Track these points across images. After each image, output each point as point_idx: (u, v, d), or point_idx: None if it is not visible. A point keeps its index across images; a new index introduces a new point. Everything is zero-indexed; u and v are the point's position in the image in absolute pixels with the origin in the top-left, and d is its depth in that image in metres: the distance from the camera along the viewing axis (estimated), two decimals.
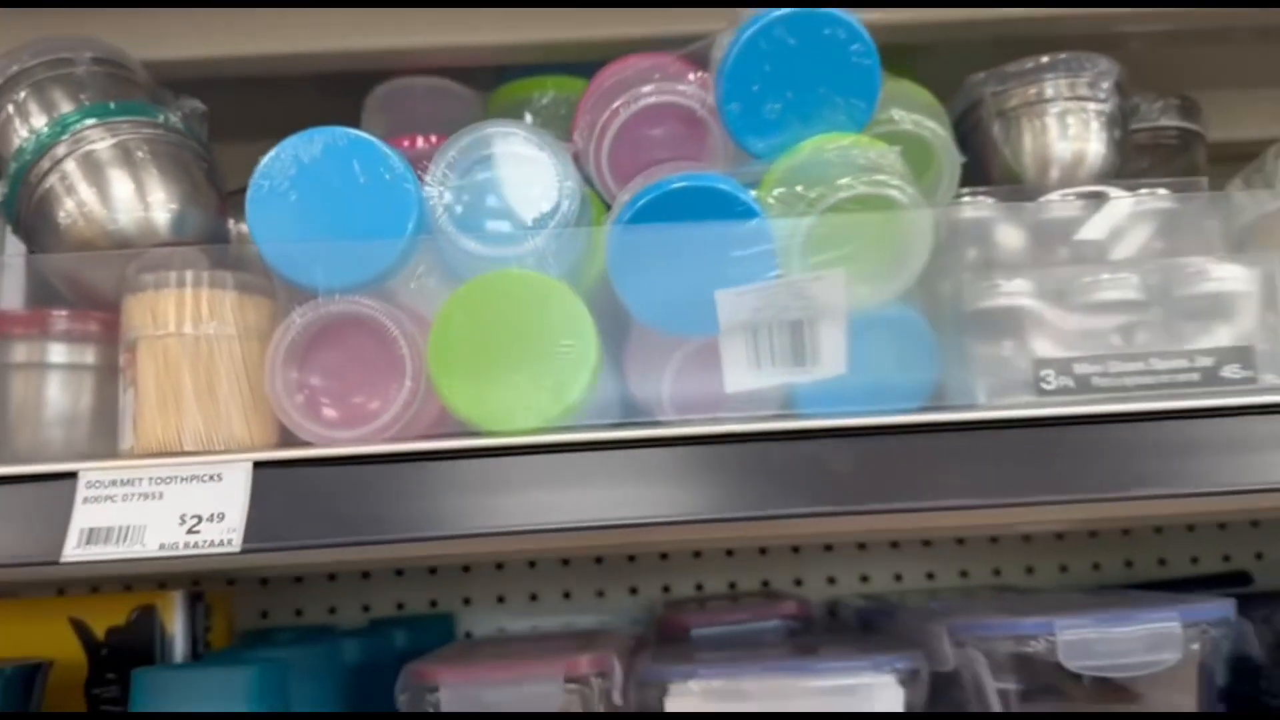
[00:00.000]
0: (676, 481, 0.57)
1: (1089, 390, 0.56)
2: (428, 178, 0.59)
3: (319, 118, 0.61)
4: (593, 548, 1.14)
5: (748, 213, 0.56)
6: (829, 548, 1.16)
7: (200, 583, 0.95)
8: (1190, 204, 0.62)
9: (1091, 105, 0.71)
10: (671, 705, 0.74)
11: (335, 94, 0.76)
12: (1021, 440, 0.55)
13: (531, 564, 1.15)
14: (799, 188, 0.57)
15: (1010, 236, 0.64)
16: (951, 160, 0.64)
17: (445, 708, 0.72)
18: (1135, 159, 0.85)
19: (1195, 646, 0.68)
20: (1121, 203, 0.62)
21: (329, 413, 0.58)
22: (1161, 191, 0.64)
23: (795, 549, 1.16)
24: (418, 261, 0.59)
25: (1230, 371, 0.56)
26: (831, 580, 1.16)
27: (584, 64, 0.73)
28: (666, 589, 1.15)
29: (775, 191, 0.57)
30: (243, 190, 0.59)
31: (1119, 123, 0.72)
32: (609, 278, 0.57)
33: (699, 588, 1.15)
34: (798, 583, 1.16)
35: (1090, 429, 0.55)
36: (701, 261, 0.57)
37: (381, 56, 0.76)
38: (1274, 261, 0.57)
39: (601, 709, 0.74)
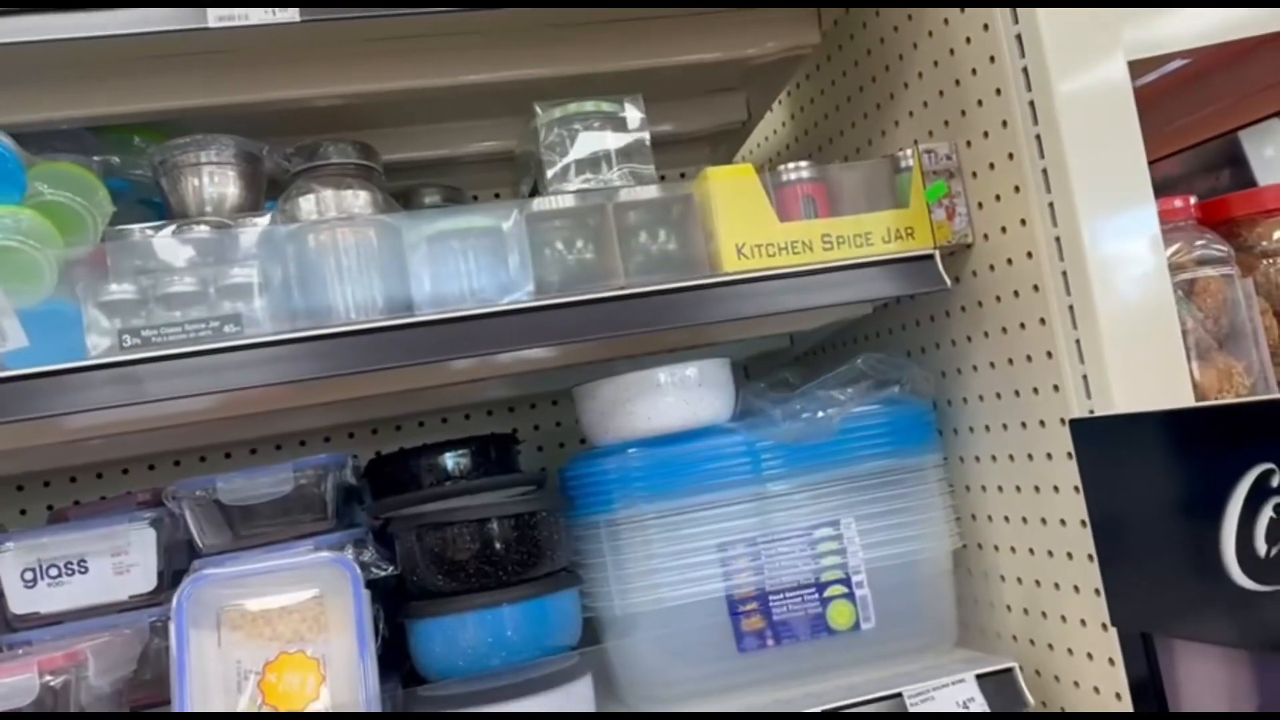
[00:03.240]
0: None
1: (150, 344, 1.02)
2: None
3: None
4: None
5: None
6: (203, 458, 1.62)
7: None
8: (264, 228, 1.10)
9: (229, 168, 1.18)
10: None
11: None
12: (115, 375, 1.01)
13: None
14: None
15: (165, 253, 1.09)
16: (97, 212, 1.08)
17: None
18: (305, 186, 1.32)
19: (303, 482, 1.19)
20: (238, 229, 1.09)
21: None
22: (250, 221, 1.12)
23: (176, 462, 1.61)
24: None
25: (228, 329, 1.04)
26: None
27: None
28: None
29: None
30: None
31: (249, 176, 1.19)
32: None
33: None
34: None
35: (167, 363, 1.01)
36: None
37: None
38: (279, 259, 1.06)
39: None
